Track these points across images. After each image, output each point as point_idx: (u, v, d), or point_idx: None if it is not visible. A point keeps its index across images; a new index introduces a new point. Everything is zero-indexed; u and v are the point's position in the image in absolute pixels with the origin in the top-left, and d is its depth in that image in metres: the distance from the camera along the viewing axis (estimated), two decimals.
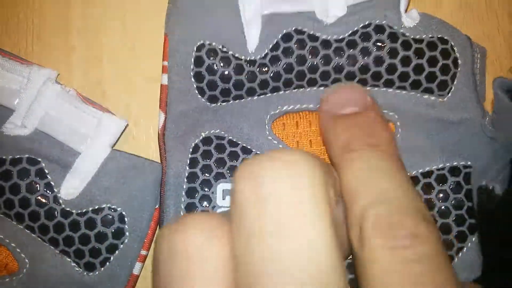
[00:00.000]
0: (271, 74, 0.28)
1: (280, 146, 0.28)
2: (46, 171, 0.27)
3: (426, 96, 0.28)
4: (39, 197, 0.27)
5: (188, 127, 0.28)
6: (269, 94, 0.28)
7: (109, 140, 0.28)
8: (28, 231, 0.27)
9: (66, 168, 0.27)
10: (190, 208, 0.27)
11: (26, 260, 0.27)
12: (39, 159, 0.27)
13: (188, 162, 0.28)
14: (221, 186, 0.27)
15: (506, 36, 0.32)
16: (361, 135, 0.21)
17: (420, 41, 0.28)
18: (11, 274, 0.27)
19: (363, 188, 0.19)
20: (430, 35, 0.28)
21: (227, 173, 0.27)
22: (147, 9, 0.31)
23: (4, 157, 0.27)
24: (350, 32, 0.28)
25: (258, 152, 0.28)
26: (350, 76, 0.28)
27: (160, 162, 0.28)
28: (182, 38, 0.28)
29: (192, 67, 0.28)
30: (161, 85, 0.29)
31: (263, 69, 0.28)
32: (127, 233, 0.27)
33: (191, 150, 0.28)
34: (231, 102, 0.28)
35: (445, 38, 0.28)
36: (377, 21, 0.28)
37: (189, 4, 0.28)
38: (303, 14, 0.28)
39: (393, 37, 0.27)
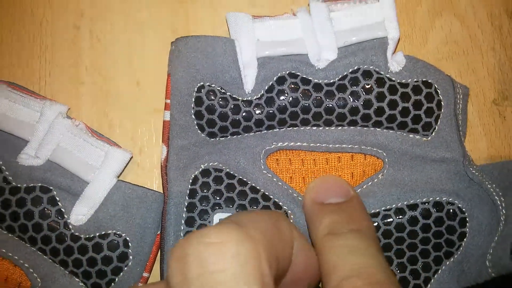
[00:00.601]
0: (266, 114, 0.30)
1: (274, 179, 0.30)
2: (57, 198, 0.30)
3: (411, 136, 0.30)
4: (51, 223, 0.29)
5: (189, 159, 0.30)
6: (265, 131, 0.30)
7: (115, 170, 0.30)
8: (41, 253, 0.30)
9: (75, 196, 0.30)
10: None
11: (38, 280, 0.30)
12: (51, 188, 0.30)
13: (188, 192, 0.30)
14: (218, 216, 0.29)
15: (490, 70, 0.34)
16: (344, 221, 0.23)
17: (405, 85, 0.30)
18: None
19: (342, 262, 0.20)
20: (415, 79, 0.30)
21: (224, 204, 0.29)
22: (152, 48, 0.33)
23: (19, 185, 0.30)
24: (340, 76, 0.30)
25: (253, 185, 0.30)
26: (340, 117, 0.30)
27: (162, 191, 0.31)
28: (183, 79, 0.30)
29: (192, 106, 0.30)
30: (164, 121, 0.31)
31: (259, 109, 0.30)
32: (130, 257, 0.30)
33: (191, 181, 0.30)
34: (228, 137, 0.30)
35: (429, 81, 0.30)
36: (365, 67, 0.30)
37: (190, 47, 0.30)
38: (297, 57, 0.30)
39: (380, 82, 0.29)
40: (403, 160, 0.30)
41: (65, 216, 0.30)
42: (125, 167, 0.31)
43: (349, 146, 0.30)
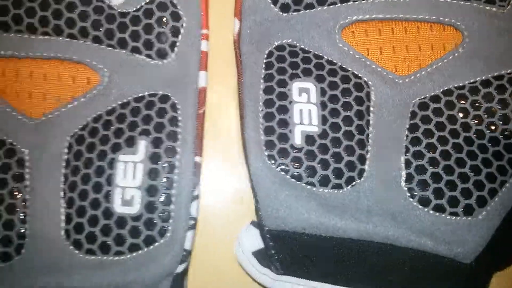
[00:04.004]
0: None
1: (351, 52, 0.29)
2: None
3: (488, 7, 0.29)
4: (96, 6, 0.28)
5: (261, 35, 0.29)
6: (339, 5, 0.30)
7: None
8: (96, 44, 0.28)
9: None
10: (268, 104, 0.28)
11: (105, 69, 0.28)
12: None
13: (264, 65, 0.29)
14: (297, 85, 0.28)
15: None
16: None
17: None
18: (96, 86, 0.27)
19: None
20: None
21: (301, 74, 0.28)
22: None
23: None
24: None
25: (329, 58, 0.29)
26: None
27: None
28: None
29: None
30: None
31: None
32: (184, 18, 0.29)
33: (265, 55, 0.29)
34: (301, 12, 0.30)
35: None
36: None
37: None
38: None
39: None
40: (482, 31, 0.29)
41: (104, 0, 0.28)
42: None
43: (427, 16, 0.29)
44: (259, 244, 0.28)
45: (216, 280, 0.30)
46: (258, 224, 0.28)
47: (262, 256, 0.28)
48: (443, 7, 0.30)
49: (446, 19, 0.29)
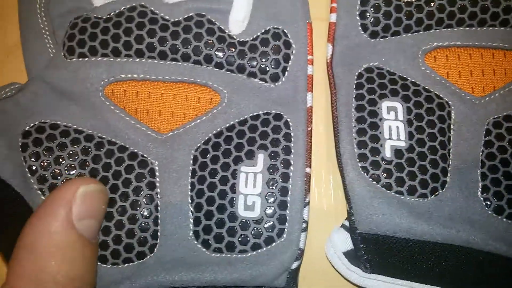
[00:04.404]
0: (426, 13, 0.33)
1: (432, 75, 0.33)
2: (213, 20, 0.32)
3: None
4: (217, 37, 0.32)
5: (352, 58, 0.33)
6: (422, 32, 0.33)
7: None
8: (217, 69, 0.32)
9: (226, 14, 0.33)
10: (360, 120, 0.32)
11: (224, 91, 0.32)
12: (203, 13, 0.32)
13: (355, 86, 0.33)
14: (385, 104, 0.32)
15: None
16: None
17: None
18: (217, 105, 0.32)
19: None
20: None
21: (389, 94, 0.32)
22: None
23: (177, 19, 0.32)
24: None
25: (413, 80, 0.33)
26: (495, 17, 0.33)
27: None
28: None
29: (358, 7, 0.33)
30: (330, 23, 0.34)
31: (419, 9, 0.33)
32: (293, 48, 0.33)
33: (356, 77, 0.33)
34: (388, 38, 0.33)
35: None
36: None
37: None
38: None
39: None
40: None
41: (225, 30, 0.32)
42: None
43: (501, 44, 0.33)
44: (348, 245, 0.32)
45: (309, 277, 0.34)
46: (350, 227, 0.32)
47: (351, 256, 0.32)
48: None
49: None
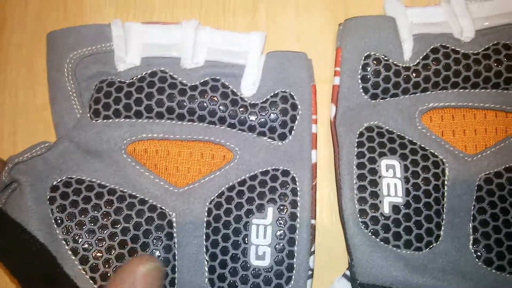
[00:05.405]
0: (423, 77, 0.36)
1: (428, 134, 0.35)
2: (226, 83, 0.36)
3: None
4: (232, 99, 0.35)
5: (353, 118, 0.36)
6: (419, 94, 0.36)
7: (260, 48, 0.37)
8: (229, 128, 0.35)
9: (239, 78, 0.36)
10: (361, 177, 0.34)
11: (236, 149, 0.35)
12: (218, 77, 0.36)
13: (356, 144, 0.35)
14: (384, 162, 0.35)
15: None
16: None
17: None
18: (229, 162, 0.35)
19: None
20: None
21: (388, 152, 0.35)
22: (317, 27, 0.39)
23: (193, 83, 0.36)
24: (484, 48, 0.36)
25: (410, 138, 0.35)
26: (486, 80, 0.35)
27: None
28: (353, 49, 0.36)
29: (359, 72, 0.36)
30: (333, 85, 0.37)
31: (416, 73, 0.36)
32: (299, 106, 0.36)
33: (357, 135, 0.36)
34: (387, 99, 0.36)
35: None
36: (503, 41, 0.36)
37: (359, 24, 0.37)
38: (445, 35, 0.36)
39: None
40: None
41: (237, 93, 0.35)
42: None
43: (492, 105, 0.36)
44: None
45: None
46: (350, 277, 0.34)
47: None
48: (505, 97, 0.36)
49: (508, 108, 0.35)
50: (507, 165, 0.35)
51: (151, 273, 0.28)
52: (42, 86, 0.40)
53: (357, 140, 0.35)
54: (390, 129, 0.36)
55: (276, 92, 0.36)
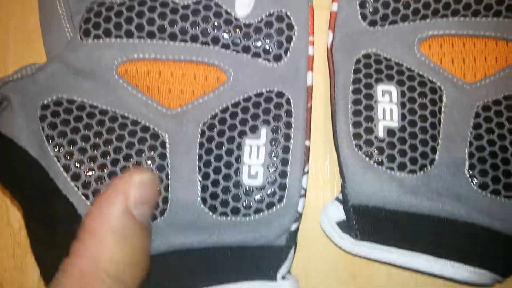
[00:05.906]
0: (422, 3, 0.35)
1: (427, 61, 0.35)
2: (220, 3, 0.35)
3: None
4: (226, 18, 0.34)
5: (351, 45, 0.36)
6: (418, 21, 0.35)
7: None
8: (223, 49, 0.35)
9: None
10: (356, 102, 0.34)
11: (230, 70, 0.35)
12: None
13: (353, 70, 0.35)
14: (380, 87, 0.34)
15: None
16: None
17: None
18: (223, 83, 0.35)
19: None
20: None
21: (385, 78, 0.34)
22: None
23: (185, 3, 0.35)
24: None
25: (408, 66, 0.35)
26: (488, 8, 0.35)
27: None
28: None
29: None
30: (331, 12, 0.36)
31: None
32: (295, 27, 0.35)
33: (354, 62, 0.35)
34: (386, 26, 0.36)
35: None
36: None
37: None
38: None
39: None
40: None
41: (232, 13, 0.35)
42: None
43: (493, 33, 0.35)
44: (340, 217, 0.35)
45: (303, 247, 0.38)
46: (343, 199, 0.34)
47: (343, 226, 0.35)
48: (507, 25, 0.35)
49: (510, 36, 0.35)
50: (506, 94, 0.34)
51: (145, 183, 0.28)
52: (31, 9, 0.40)
53: (354, 66, 0.35)
54: (388, 57, 0.35)
55: (271, 11, 0.35)
